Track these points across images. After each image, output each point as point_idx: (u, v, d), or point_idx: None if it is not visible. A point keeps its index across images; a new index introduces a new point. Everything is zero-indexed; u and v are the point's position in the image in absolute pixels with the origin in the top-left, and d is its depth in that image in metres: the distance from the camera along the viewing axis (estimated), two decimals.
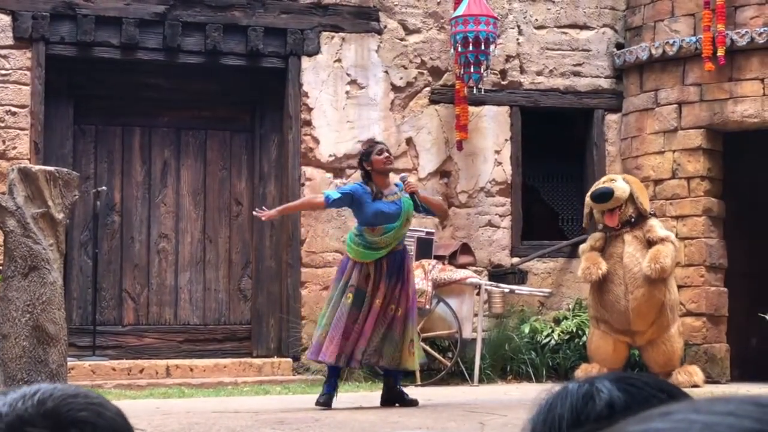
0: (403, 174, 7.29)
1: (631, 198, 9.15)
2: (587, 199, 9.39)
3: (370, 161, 7.40)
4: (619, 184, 9.18)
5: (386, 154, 7.40)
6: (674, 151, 10.48)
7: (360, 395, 8.38)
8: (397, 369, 7.40)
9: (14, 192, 8.30)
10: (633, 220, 9.20)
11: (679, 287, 9.77)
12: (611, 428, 0.84)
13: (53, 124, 9.91)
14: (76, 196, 8.74)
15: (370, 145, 7.65)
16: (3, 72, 9.58)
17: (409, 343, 7.29)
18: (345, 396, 8.24)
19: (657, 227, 9.25)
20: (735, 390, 8.85)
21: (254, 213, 7.65)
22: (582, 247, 9.60)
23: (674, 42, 10.45)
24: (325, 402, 7.16)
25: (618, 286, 9.21)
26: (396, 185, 7.42)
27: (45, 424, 1.03)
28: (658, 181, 10.55)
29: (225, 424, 6.01)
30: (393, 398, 7.34)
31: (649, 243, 9.16)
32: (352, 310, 7.16)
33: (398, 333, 7.25)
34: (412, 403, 7.27)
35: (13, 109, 9.59)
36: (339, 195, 7.41)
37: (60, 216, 8.41)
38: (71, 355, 8.98)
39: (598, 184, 9.40)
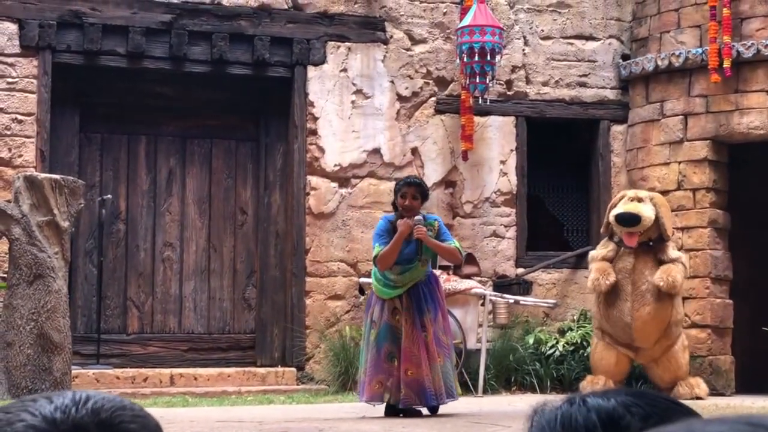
0: (417, 217, 7.07)
1: (656, 222, 9.03)
2: (611, 217, 9.08)
3: (397, 199, 7.25)
4: (646, 209, 8.98)
5: (408, 200, 7.14)
6: (680, 163, 10.47)
7: (364, 405, 8.36)
8: (456, 398, 7.27)
9: (20, 200, 8.32)
10: (651, 243, 9.11)
11: (684, 299, 9.75)
12: None
13: (59, 132, 9.92)
14: (82, 204, 8.76)
15: (399, 183, 7.42)
16: (9, 80, 9.60)
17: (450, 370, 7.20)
18: (349, 406, 8.22)
19: (669, 248, 9.19)
20: (739, 403, 8.82)
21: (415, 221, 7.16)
22: (593, 253, 9.49)
23: (680, 53, 10.45)
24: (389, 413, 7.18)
25: (624, 301, 9.16)
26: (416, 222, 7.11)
27: (97, 430, 1.05)
28: (663, 193, 10.52)
29: None
30: (398, 409, 7.28)
31: (660, 263, 9.13)
32: (383, 345, 7.05)
33: (450, 360, 7.18)
34: (417, 413, 7.23)
35: (20, 117, 9.61)
36: (378, 245, 7.13)
37: (65, 224, 8.42)
38: (75, 364, 8.98)
39: (626, 203, 9.09)
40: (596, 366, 9.42)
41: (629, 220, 8.95)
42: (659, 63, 10.60)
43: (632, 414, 1.06)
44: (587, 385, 9.30)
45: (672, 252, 9.19)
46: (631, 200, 9.13)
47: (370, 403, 7.21)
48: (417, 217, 7.07)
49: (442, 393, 7.08)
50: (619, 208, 9.05)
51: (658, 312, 9.06)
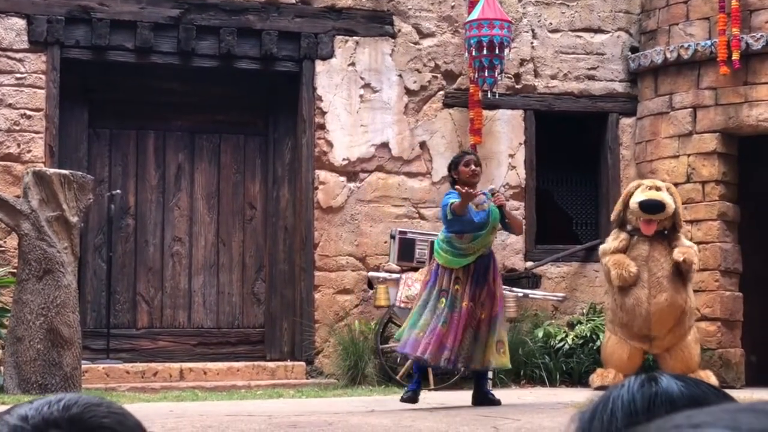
0: (491, 186, 7.70)
1: (675, 212, 9.04)
2: (633, 204, 9.03)
3: (458, 171, 7.64)
4: (666, 197, 9.02)
5: (473, 167, 7.59)
6: (689, 155, 10.44)
7: (373, 399, 8.38)
8: (485, 369, 7.73)
9: (29, 195, 8.33)
10: (666, 232, 9.11)
11: (694, 291, 9.72)
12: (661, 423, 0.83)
13: (68, 127, 9.94)
14: (91, 200, 8.77)
15: (459, 155, 7.94)
16: (18, 75, 9.61)
17: (497, 343, 7.54)
18: (358, 400, 8.23)
19: (682, 238, 9.22)
20: (749, 396, 8.81)
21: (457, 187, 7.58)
22: (603, 247, 9.41)
23: (689, 46, 10.42)
24: (410, 398, 7.52)
25: (641, 289, 9.13)
26: (483, 194, 7.64)
27: (69, 428, 1.09)
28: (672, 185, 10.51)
29: (238, 427, 6.01)
30: (480, 399, 7.62)
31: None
32: (446, 313, 7.43)
33: (484, 334, 7.51)
34: (496, 402, 7.54)
35: (28, 112, 9.62)
36: (446, 219, 7.54)
37: (74, 219, 8.44)
38: (85, 358, 9.00)
39: (645, 191, 9.08)
40: (608, 360, 9.39)
41: (654, 207, 8.94)
42: (668, 55, 10.57)
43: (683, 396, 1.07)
44: (597, 378, 9.29)
45: (685, 242, 9.19)
46: (650, 188, 9.10)
47: (421, 359, 7.54)
48: (491, 187, 7.69)
49: (471, 361, 7.52)
50: (641, 196, 8.98)
51: (674, 299, 9.04)
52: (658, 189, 9.09)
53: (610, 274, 9.07)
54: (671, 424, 0.82)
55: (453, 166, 7.76)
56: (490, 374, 9.51)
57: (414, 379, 7.77)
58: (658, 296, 9.04)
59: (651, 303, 9.04)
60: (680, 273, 9.00)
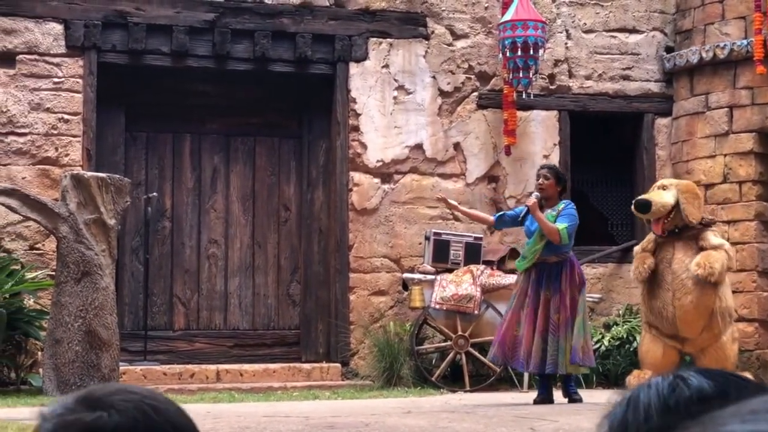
0: (535, 193, 8.03)
1: (678, 208, 8.91)
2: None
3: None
4: (664, 195, 8.90)
5: (540, 180, 8.09)
6: (725, 155, 10.37)
7: (409, 400, 8.38)
8: (566, 373, 8.05)
9: (67, 198, 8.41)
10: (677, 230, 9.01)
11: (731, 293, 9.63)
12: (710, 417, 0.83)
13: (105, 131, 10.02)
14: (128, 202, 8.84)
15: (541, 166, 8.58)
16: (56, 80, 9.70)
17: (572, 348, 7.93)
18: (394, 401, 8.24)
19: (711, 236, 9.01)
20: None
21: (438, 196, 8.90)
22: (636, 248, 9.43)
23: (725, 45, 10.35)
24: (541, 401, 7.92)
25: (666, 291, 9.06)
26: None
27: (79, 408, 1.13)
28: (709, 186, 10.44)
29: (276, 428, 6.03)
30: (567, 398, 8.07)
31: (702, 250, 8.99)
32: (513, 314, 7.94)
33: (561, 339, 7.87)
34: (578, 400, 8.00)
35: (66, 116, 9.71)
36: (505, 214, 8.34)
37: (112, 222, 8.51)
38: (123, 360, 9.07)
39: (650, 191, 9.17)
40: (643, 358, 9.32)
41: (639, 206, 8.89)
42: (704, 55, 10.51)
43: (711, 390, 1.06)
44: (634, 379, 9.23)
45: (713, 239, 8.97)
46: (657, 188, 9.05)
47: (492, 362, 8.43)
48: (534, 194, 8.04)
49: (537, 363, 7.86)
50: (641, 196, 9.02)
51: (700, 300, 8.92)
52: (663, 188, 8.99)
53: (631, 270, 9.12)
54: (730, 412, 0.82)
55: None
56: (525, 375, 9.50)
57: (540, 384, 8.18)
58: (683, 298, 8.93)
59: (676, 305, 8.94)
60: None
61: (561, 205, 8.04)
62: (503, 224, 8.49)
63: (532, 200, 7.99)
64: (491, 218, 8.47)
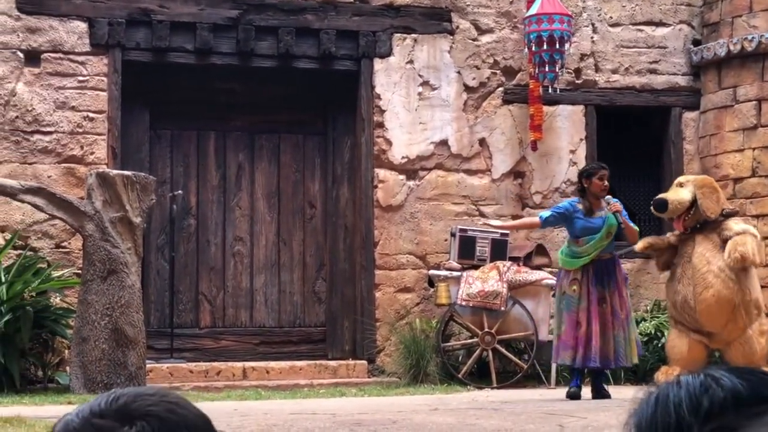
0: (608, 197, 8.07)
1: (696, 205, 8.80)
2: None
3: (591, 181, 8.10)
4: (681, 192, 8.79)
5: (606, 183, 8.09)
6: (754, 149, 10.26)
7: (436, 397, 8.34)
8: (631, 365, 8.39)
9: (93, 197, 8.42)
10: (699, 226, 8.91)
11: (760, 286, 9.52)
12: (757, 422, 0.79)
13: (130, 129, 10.03)
14: (153, 200, 8.84)
15: (595, 166, 8.38)
16: (80, 78, 9.72)
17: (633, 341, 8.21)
18: (421, 398, 8.20)
19: (732, 224, 8.88)
20: None
21: (483, 221, 9.42)
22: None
23: (753, 38, 10.24)
24: (574, 394, 8.04)
25: (687, 286, 8.97)
26: (605, 201, 8.15)
27: (113, 416, 1.11)
28: (737, 180, 10.33)
29: (303, 425, 6.01)
30: (595, 393, 8.17)
31: (725, 242, 8.88)
32: (569, 314, 8.00)
33: (624, 332, 8.07)
34: (606, 396, 8.08)
35: (91, 114, 9.72)
36: (551, 214, 8.26)
37: (137, 220, 8.51)
38: (149, 358, 9.07)
39: (672, 188, 9.05)
40: (670, 354, 9.25)
41: (658, 205, 8.81)
42: (731, 48, 10.40)
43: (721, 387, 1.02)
44: (662, 375, 9.16)
45: (735, 226, 8.81)
46: (675, 186, 8.97)
47: (557, 363, 8.63)
48: (608, 197, 8.10)
49: (609, 359, 8.01)
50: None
51: (722, 294, 8.81)
52: (680, 185, 8.89)
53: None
54: None
55: (586, 174, 8.18)
56: (553, 372, 9.44)
57: (574, 377, 8.23)
58: (704, 292, 8.82)
59: (697, 300, 8.84)
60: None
61: (610, 202, 8.07)
62: (550, 225, 8.62)
63: (619, 205, 8.07)
64: (537, 220, 8.50)
